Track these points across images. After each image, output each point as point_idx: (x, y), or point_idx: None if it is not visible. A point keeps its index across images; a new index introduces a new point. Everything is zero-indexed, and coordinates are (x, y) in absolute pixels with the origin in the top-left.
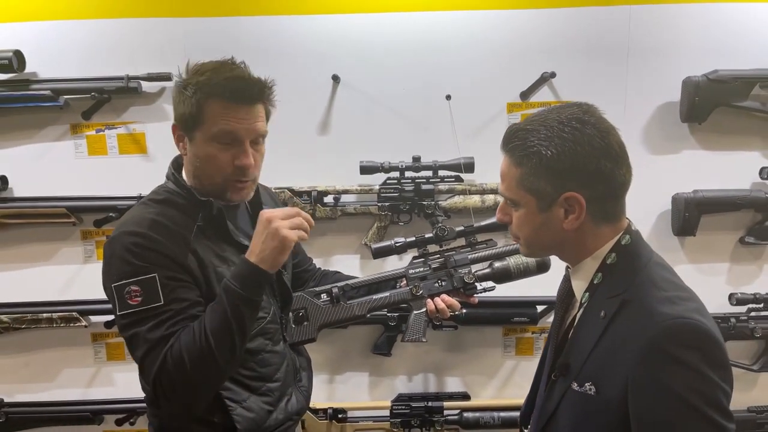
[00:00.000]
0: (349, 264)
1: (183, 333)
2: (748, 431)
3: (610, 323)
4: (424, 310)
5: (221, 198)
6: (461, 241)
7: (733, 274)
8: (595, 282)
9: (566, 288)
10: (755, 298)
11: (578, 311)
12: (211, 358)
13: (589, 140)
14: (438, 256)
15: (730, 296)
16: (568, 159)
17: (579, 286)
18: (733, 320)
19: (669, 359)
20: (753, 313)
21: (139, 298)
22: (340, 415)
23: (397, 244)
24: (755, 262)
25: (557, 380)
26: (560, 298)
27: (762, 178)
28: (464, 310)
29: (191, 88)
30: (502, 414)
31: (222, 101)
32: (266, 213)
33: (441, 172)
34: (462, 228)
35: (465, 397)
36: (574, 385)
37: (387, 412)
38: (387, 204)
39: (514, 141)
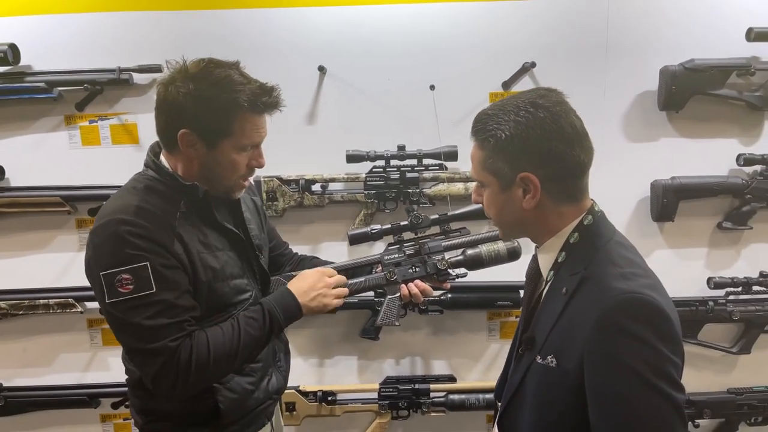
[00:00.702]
0: (337, 251)
1: (210, 331)
2: (728, 412)
3: (570, 299)
4: (398, 294)
5: (225, 195)
6: (436, 229)
7: (711, 259)
8: (559, 260)
9: (534, 267)
10: (733, 282)
11: (544, 288)
12: (232, 362)
13: (541, 123)
14: (413, 243)
15: (709, 280)
16: (520, 141)
17: (545, 265)
18: (711, 304)
19: (619, 331)
20: (731, 297)
21: (131, 286)
22: (329, 398)
23: (373, 231)
24: (733, 247)
25: (524, 354)
26: (529, 277)
27: (739, 164)
28: (449, 295)
29: (219, 101)
30: (487, 396)
31: (253, 115)
32: (329, 276)
33: (425, 161)
34: (436, 216)
35: (451, 379)
36: (538, 358)
37: (375, 395)
38: (373, 192)
39: (478, 125)
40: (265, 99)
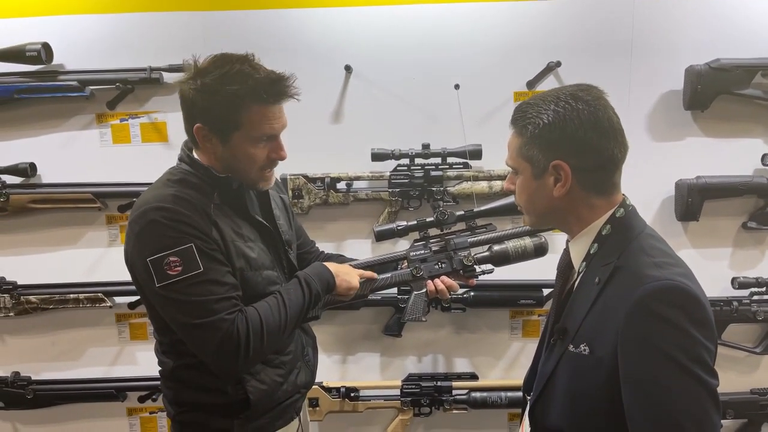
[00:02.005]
0: (361, 248)
1: (259, 304)
2: (751, 413)
3: (603, 288)
4: (424, 290)
5: (252, 188)
6: (462, 225)
7: (735, 259)
8: (591, 252)
9: (566, 259)
10: (758, 282)
11: (576, 279)
12: (282, 332)
13: (578, 114)
14: (438, 239)
15: (733, 280)
16: (557, 129)
17: (577, 257)
18: (735, 304)
19: (653, 316)
20: (755, 297)
21: (180, 268)
22: (352, 394)
23: (399, 228)
24: (758, 247)
25: (555, 344)
26: (560, 270)
27: (764, 164)
28: (472, 293)
29: (224, 94)
30: (509, 394)
31: (261, 106)
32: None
33: (450, 159)
34: (462, 212)
35: (473, 377)
36: (570, 347)
37: (398, 392)
38: (397, 190)
39: (518, 114)
40: (270, 88)
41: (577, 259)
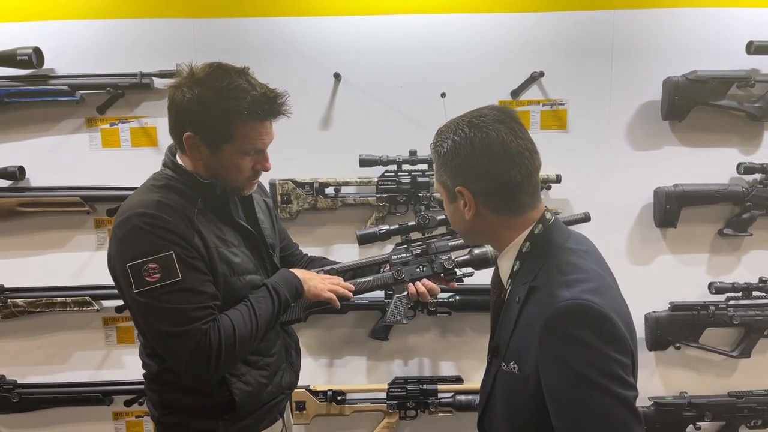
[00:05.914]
0: (348, 252)
1: (231, 313)
2: (729, 415)
3: (522, 308)
4: (405, 293)
5: (236, 193)
6: (443, 230)
7: (712, 264)
8: (514, 269)
9: (497, 275)
10: (733, 287)
11: (505, 296)
12: (253, 339)
13: (470, 141)
14: (420, 243)
15: (710, 285)
16: (454, 158)
17: (504, 274)
18: (712, 308)
19: (563, 337)
20: (732, 302)
21: (158, 275)
22: (339, 397)
23: (381, 232)
24: (733, 253)
25: (492, 360)
26: (493, 285)
27: (739, 173)
28: (457, 297)
29: (221, 108)
30: None
31: (254, 122)
32: (334, 280)
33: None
34: (443, 216)
35: (458, 380)
36: (503, 365)
37: (384, 395)
38: (385, 195)
39: (433, 140)
40: (267, 107)
41: (504, 276)
